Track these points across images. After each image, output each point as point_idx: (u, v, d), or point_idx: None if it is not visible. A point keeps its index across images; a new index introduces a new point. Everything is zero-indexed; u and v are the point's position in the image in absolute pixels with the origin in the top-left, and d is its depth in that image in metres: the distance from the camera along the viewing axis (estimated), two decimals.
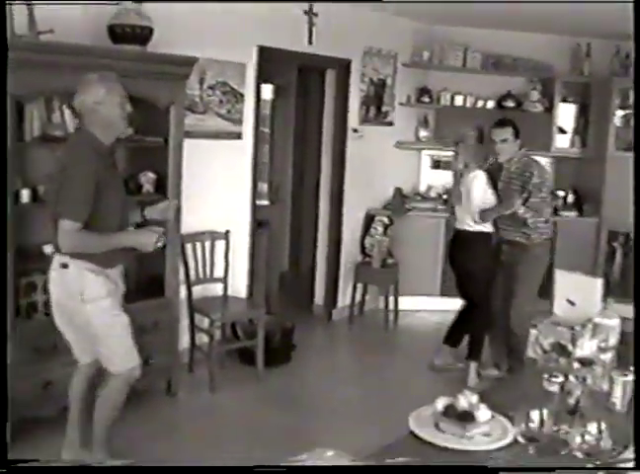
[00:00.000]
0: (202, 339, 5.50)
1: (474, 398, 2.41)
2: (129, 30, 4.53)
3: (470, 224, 5.41)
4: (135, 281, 4.83)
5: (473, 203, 5.32)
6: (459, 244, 5.59)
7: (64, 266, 3.57)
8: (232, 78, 5.60)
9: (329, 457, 1.89)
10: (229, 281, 5.65)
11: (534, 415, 2.10)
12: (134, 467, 1.15)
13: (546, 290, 6.76)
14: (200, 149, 5.27)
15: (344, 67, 6.80)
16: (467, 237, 5.48)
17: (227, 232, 5.61)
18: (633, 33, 3.03)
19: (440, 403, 2.42)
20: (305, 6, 6.08)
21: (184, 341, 5.38)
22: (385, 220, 7.28)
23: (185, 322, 5.39)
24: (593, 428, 2.13)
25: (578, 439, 2.11)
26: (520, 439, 2.13)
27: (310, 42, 6.17)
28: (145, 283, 4.91)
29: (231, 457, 4.02)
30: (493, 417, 2.37)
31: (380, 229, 7.24)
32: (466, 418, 2.34)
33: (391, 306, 7.21)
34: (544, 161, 7.93)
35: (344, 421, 4.79)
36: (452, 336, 5.82)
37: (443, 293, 7.47)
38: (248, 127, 5.89)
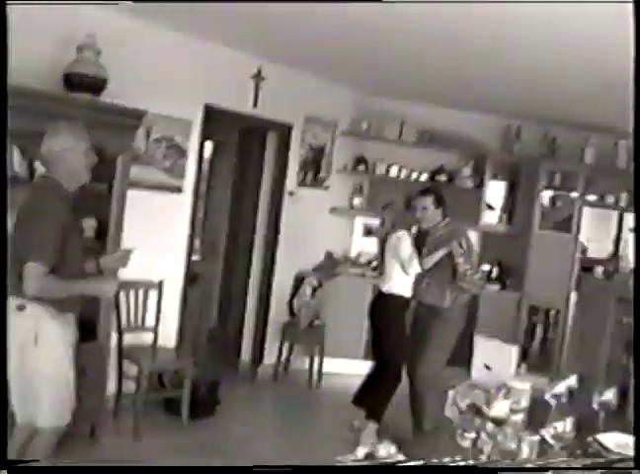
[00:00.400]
0: (129, 386, 5.56)
1: (392, 448, 2.58)
2: (85, 79, 4.72)
3: (390, 286, 5.65)
4: None
5: (402, 258, 5.53)
6: (379, 304, 5.80)
7: (21, 308, 3.58)
8: (178, 134, 5.81)
9: None
10: (159, 331, 5.74)
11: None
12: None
13: (463, 358, 7.16)
14: (141, 200, 5.39)
15: (285, 131, 7.06)
16: (386, 298, 5.70)
17: (161, 282, 5.73)
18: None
19: (361, 451, 2.59)
20: (254, 69, 6.34)
21: (110, 387, 5.42)
22: (314, 283, 7.46)
23: (112, 368, 5.45)
24: None
25: None
26: None
27: (255, 105, 6.42)
28: (78, 327, 4.98)
29: None
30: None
31: (309, 291, 7.42)
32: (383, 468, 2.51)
33: (316, 367, 7.35)
34: (472, 235, 8.30)
35: None
36: (361, 396, 5.91)
37: (367, 357, 7.65)
38: (189, 183, 6.07)
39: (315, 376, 7.34)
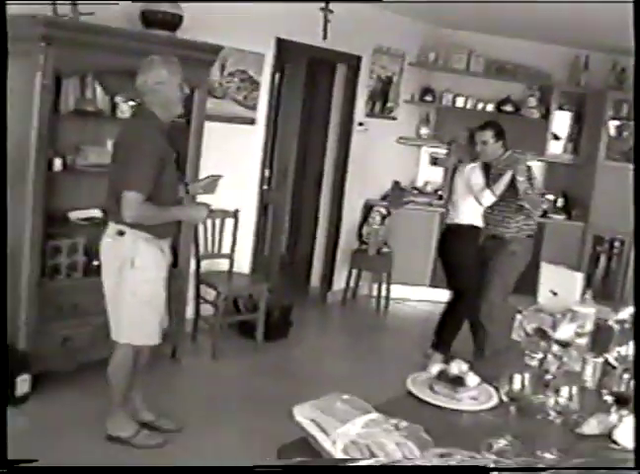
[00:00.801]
0: (205, 311, 5.83)
1: (464, 366, 2.76)
2: (161, 16, 4.85)
3: (461, 218, 5.73)
4: None
5: (475, 189, 5.60)
6: (450, 237, 5.88)
7: (121, 233, 3.80)
8: (251, 67, 5.93)
9: (343, 400, 2.22)
10: (235, 258, 5.96)
11: (517, 379, 2.44)
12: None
13: (530, 287, 7.26)
14: (217, 132, 5.54)
15: (354, 62, 7.14)
16: (457, 231, 5.78)
17: (236, 211, 5.93)
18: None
19: (435, 368, 2.77)
20: (322, 3, 6.39)
21: (188, 311, 5.69)
22: (383, 211, 7.62)
23: (190, 293, 5.70)
24: (565, 392, 2.49)
25: (552, 401, 2.47)
26: (504, 398, 2.48)
27: (325, 37, 6.47)
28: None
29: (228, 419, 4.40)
30: (480, 383, 2.71)
31: (378, 219, 7.58)
32: (457, 382, 2.69)
33: (383, 293, 7.56)
34: (537, 165, 8.34)
35: (338, 390, 5.12)
36: (440, 338, 5.93)
37: (433, 284, 7.84)
38: (261, 114, 6.22)
39: (383, 302, 7.55)
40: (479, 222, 5.74)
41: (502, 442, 2.26)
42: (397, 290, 7.72)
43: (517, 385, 2.43)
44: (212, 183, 4.31)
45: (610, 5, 5.53)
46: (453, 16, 7.21)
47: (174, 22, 4.89)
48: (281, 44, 6.17)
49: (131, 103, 4.78)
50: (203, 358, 5.58)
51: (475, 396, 2.68)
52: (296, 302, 6.64)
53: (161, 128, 3.87)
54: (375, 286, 7.66)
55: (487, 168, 5.74)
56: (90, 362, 4.59)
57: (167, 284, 4.02)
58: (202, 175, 5.16)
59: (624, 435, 2.43)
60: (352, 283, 7.67)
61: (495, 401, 2.65)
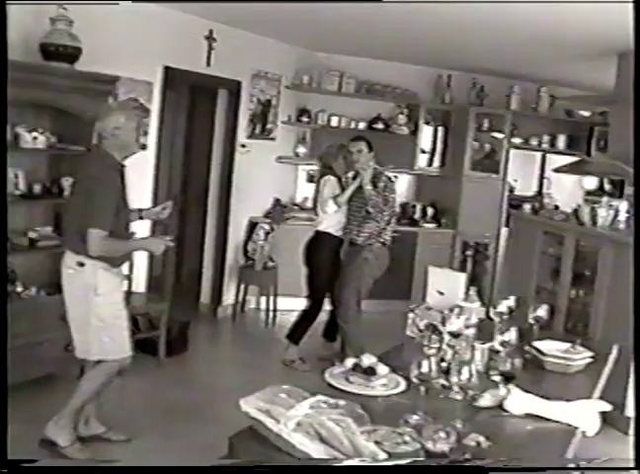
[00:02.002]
0: None
1: (373, 358, 3.19)
2: (61, 49, 5.09)
3: (320, 227, 6.32)
4: (58, 276, 5.39)
5: (320, 200, 6.23)
6: (310, 244, 6.44)
7: (81, 264, 4.14)
8: (141, 94, 6.22)
9: (284, 390, 2.60)
10: (133, 278, 6.22)
11: (425, 363, 2.89)
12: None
13: (404, 291, 7.83)
14: None
15: (234, 87, 7.52)
16: (316, 238, 6.38)
17: (132, 234, 6.16)
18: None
19: (349, 361, 3.19)
20: (206, 32, 6.77)
21: None
22: (266, 227, 8.02)
23: None
24: (465, 373, 2.97)
25: (455, 379, 2.95)
26: (414, 380, 2.92)
27: (209, 64, 6.87)
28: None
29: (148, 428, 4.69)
30: (389, 372, 3.15)
31: (262, 235, 7.97)
32: (369, 372, 3.12)
33: (271, 306, 7.96)
34: (406, 178, 8.99)
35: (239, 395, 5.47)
36: (294, 333, 6.55)
37: None
38: (152, 140, 6.52)
39: (271, 314, 7.94)
40: (334, 231, 6.26)
41: (415, 418, 2.70)
42: (283, 302, 8.10)
43: (425, 369, 2.88)
44: (163, 209, 4.70)
45: (470, 28, 6.14)
46: (326, 40, 7.71)
47: (73, 54, 5.13)
48: (168, 72, 6.49)
49: (34, 133, 5.01)
50: None
51: (386, 383, 3.12)
52: (189, 318, 6.93)
53: (117, 168, 4.22)
54: (263, 300, 8.04)
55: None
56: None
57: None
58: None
59: (512, 405, 2.93)
60: (240, 298, 8.03)
61: (403, 386, 3.10)
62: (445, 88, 8.86)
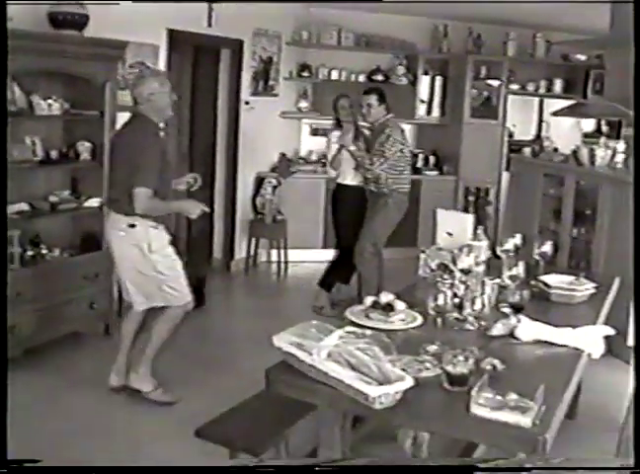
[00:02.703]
0: None
1: (391, 296, 3.40)
2: (68, 17, 5.23)
3: (338, 178, 6.52)
4: (80, 237, 5.61)
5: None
6: (335, 196, 6.67)
7: (132, 225, 4.42)
8: (148, 58, 6.36)
9: (314, 325, 2.81)
10: None
11: (440, 297, 3.10)
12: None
13: (410, 239, 8.04)
14: (122, 121, 5.95)
15: (236, 47, 7.66)
16: (337, 189, 6.62)
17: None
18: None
19: (369, 299, 3.40)
20: None
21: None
22: (274, 182, 8.20)
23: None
24: (478, 304, 3.19)
25: (468, 310, 3.16)
26: (431, 312, 3.14)
27: (210, 25, 7.00)
28: (87, 239, 5.66)
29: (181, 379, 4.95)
30: (406, 308, 3.37)
31: (270, 190, 8.16)
32: (388, 308, 3.34)
33: (282, 258, 8.19)
34: (407, 127, 9.11)
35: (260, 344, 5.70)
36: (326, 280, 6.75)
37: (325, 246, 8.51)
38: None
39: (282, 266, 8.17)
40: (353, 182, 6.46)
41: (433, 347, 2.92)
42: (293, 254, 8.33)
43: (441, 301, 3.10)
44: (189, 182, 5.00)
45: None
46: None
47: (81, 22, 5.27)
48: (172, 34, 6.62)
49: (49, 101, 5.17)
50: None
51: (403, 318, 3.34)
52: (204, 273, 7.14)
53: (156, 130, 4.52)
54: (274, 252, 8.26)
55: (370, 129, 6.46)
56: (36, 347, 5.06)
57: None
58: None
59: (522, 333, 3.15)
60: (252, 252, 8.25)
61: (419, 320, 3.32)
62: (442, 38, 8.97)
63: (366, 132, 6.53)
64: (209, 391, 4.83)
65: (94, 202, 5.57)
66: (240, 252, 8.21)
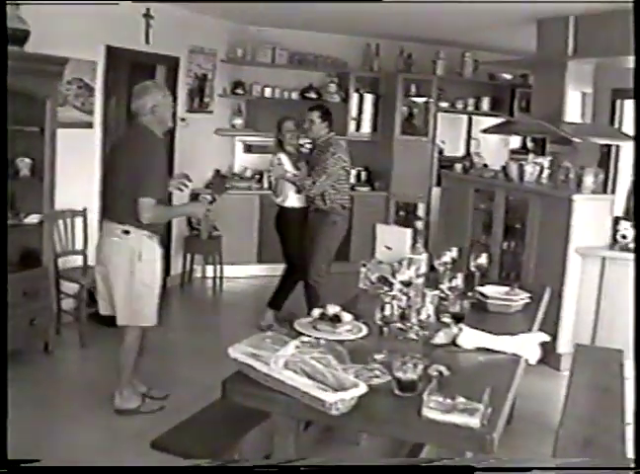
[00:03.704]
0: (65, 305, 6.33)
1: (337, 308, 3.52)
2: (10, 32, 5.19)
3: (284, 202, 6.57)
4: (19, 254, 5.59)
5: (280, 184, 6.53)
6: (280, 216, 6.70)
7: (126, 232, 4.50)
8: (86, 74, 6.39)
9: (268, 337, 2.92)
10: (88, 253, 6.43)
11: (387, 308, 3.24)
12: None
13: (343, 254, 8.19)
14: (60, 137, 5.94)
15: (172, 63, 7.73)
16: (281, 212, 6.65)
17: (84, 210, 6.41)
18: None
19: (316, 311, 3.52)
20: (144, 10, 6.96)
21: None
22: (208, 198, 8.22)
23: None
24: (423, 315, 3.34)
25: (413, 320, 3.31)
26: (378, 322, 3.27)
27: (147, 42, 7.06)
28: (26, 256, 5.63)
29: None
30: (353, 319, 3.50)
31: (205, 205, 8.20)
32: (335, 320, 3.46)
33: (217, 273, 8.26)
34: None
35: (201, 357, 5.77)
36: (276, 299, 6.79)
37: (260, 261, 8.61)
38: (97, 118, 6.70)
39: (217, 281, 8.24)
40: (298, 204, 6.55)
41: (381, 356, 3.06)
42: (228, 270, 8.41)
43: (387, 312, 3.23)
44: (178, 181, 5.14)
45: None
46: (257, 13, 7.93)
47: (22, 36, 5.26)
48: (111, 51, 6.66)
49: None
50: (73, 348, 6.05)
51: (350, 329, 3.47)
52: None
53: (160, 141, 4.69)
54: (209, 268, 8.32)
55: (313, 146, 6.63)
56: None
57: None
58: (58, 179, 5.65)
59: (464, 341, 3.31)
60: (187, 267, 8.30)
61: (365, 331, 3.45)
62: (374, 56, 9.20)
63: (307, 151, 6.65)
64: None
65: (33, 219, 5.56)
66: (175, 268, 8.24)
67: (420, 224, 9.37)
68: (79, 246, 6.43)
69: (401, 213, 9.36)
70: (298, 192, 6.45)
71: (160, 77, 7.77)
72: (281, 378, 2.65)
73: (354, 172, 9.24)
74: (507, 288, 4.23)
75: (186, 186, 5.17)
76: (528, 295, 4.16)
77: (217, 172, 8.69)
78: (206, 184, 8.51)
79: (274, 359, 2.67)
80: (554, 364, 5.86)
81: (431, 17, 7.39)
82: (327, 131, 6.48)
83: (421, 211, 9.46)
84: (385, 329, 3.24)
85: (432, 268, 4.31)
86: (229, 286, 8.35)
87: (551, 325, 5.72)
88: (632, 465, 2.24)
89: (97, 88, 6.62)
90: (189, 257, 8.32)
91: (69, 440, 4.42)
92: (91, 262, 6.42)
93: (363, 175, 9.43)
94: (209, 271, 8.35)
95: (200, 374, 5.21)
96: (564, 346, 5.87)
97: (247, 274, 8.63)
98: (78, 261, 6.42)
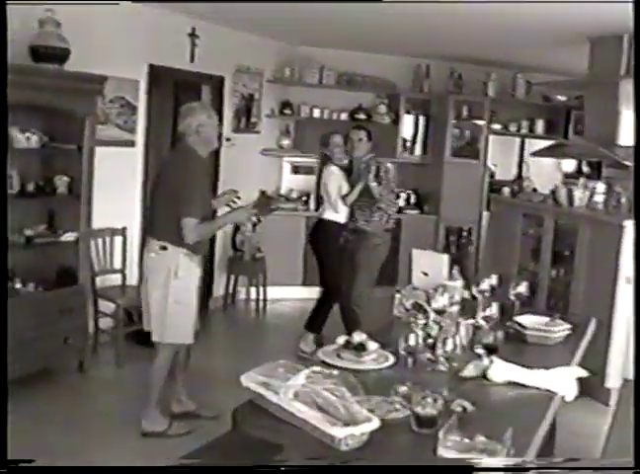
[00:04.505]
0: (105, 323, 6.28)
1: (364, 335, 3.38)
2: (50, 50, 5.24)
3: (326, 214, 6.45)
4: (55, 272, 5.56)
5: (330, 198, 6.37)
6: (316, 230, 6.60)
7: (164, 248, 4.51)
8: (128, 93, 6.38)
9: (281, 365, 2.79)
10: (127, 272, 6.40)
11: (411, 337, 3.08)
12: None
13: (390, 278, 8.03)
14: (100, 155, 5.94)
15: (217, 83, 7.69)
16: (321, 225, 6.52)
17: (124, 229, 6.38)
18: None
19: (341, 339, 3.38)
20: (189, 29, 6.95)
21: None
22: (253, 219, 8.17)
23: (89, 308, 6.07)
24: (449, 345, 3.17)
25: (440, 351, 3.14)
26: (402, 353, 3.12)
27: (192, 61, 7.04)
28: (62, 274, 5.61)
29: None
30: (378, 348, 3.34)
31: (249, 227, 8.14)
32: (360, 348, 3.31)
33: (261, 296, 8.16)
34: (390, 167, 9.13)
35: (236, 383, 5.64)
36: (313, 322, 6.66)
37: (305, 283, 8.49)
38: (140, 137, 6.69)
39: (261, 304, 8.14)
40: (341, 219, 6.41)
41: (404, 388, 2.90)
42: (273, 292, 8.31)
43: (412, 342, 3.08)
44: (228, 198, 5.15)
45: (447, 15, 6.30)
46: (305, 33, 7.89)
47: (62, 55, 5.27)
48: (153, 70, 6.65)
49: (27, 134, 5.17)
50: (109, 367, 5.99)
51: (375, 358, 3.31)
52: None
53: (202, 161, 4.74)
54: (253, 290, 8.23)
55: (351, 164, 6.49)
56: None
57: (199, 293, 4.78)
58: (95, 196, 5.62)
59: (494, 374, 3.13)
60: (230, 289, 8.22)
61: (392, 360, 3.29)
62: (424, 77, 9.06)
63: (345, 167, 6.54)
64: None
65: (70, 237, 5.55)
66: (218, 289, 8.16)
67: (471, 249, 9.16)
68: (118, 265, 6.39)
69: (451, 238, 9.15)
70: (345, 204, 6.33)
71: (206, 97, 7.76)
72: (291, 409, 2.51)
73: (403, 195, 9.15)
74: (547, 319, 4.03)
75: (235, 202, 5.14)
76: (569, 326, 3.95)
77: (263, 193, 8.60)
78: (252, 205, 8.41)
79: (283, 389, 2.54)
80: (603, 399, 5.60)
81: (481, 37, 7.26)
82: (369, 151, 6.40)
83: (470, 235, 9.24)
84: (410, 360, 3.08)
85: (473, 296, 4.14)
86: (273, 309, 8.25)
87: (599, 358, 5.50)
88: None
89: (139, 106, 6.60)
90: (232, 278, 8.24)
91: (94, 461, 4.34)
92: (130, 281, 6.42)
93: (413, 198, 9.25)
94: (253, 293, 8.25)
95: (231, 400, 5.08)
96: (613, 380, 5.61)
97: (292, 296, 8.50)
98: (117, 280, 6.38)
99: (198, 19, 6.98)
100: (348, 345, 3.35)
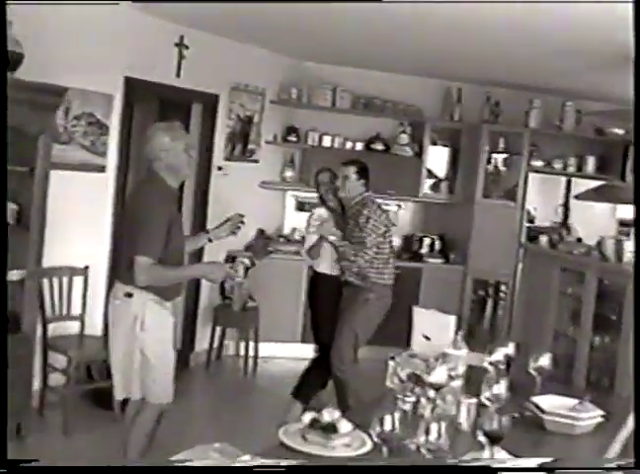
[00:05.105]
0: (56, 380, 6.03)
1: (336, 413, 3.12)
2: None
3: (318, 266, 6.34)
4: None
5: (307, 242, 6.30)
6: (311, 285, 6.53)
7: (129, 295, 4.34)
8: (98, 109, 6.21)
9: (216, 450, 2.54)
10: (86, 320, 6.18)
11: (387, 420, 2.81)
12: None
13: (401, 337, 7.75)
14: (61, 181, 5.76)
15: (210, 102, 7.54)
16: (315, 278, 6.45)
17: (86, 268, 6.17)
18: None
19: (307, 417, 3.12)
20: (176, 38, 6.79)
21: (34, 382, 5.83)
22: (247, 262, 7.92)
23: (37, 361, 5.85)
24: (434, 431, 2.89)
25: (422, 439, 2.86)
26: (376, 439, 2.84)
27: (179, 75, 6.88)
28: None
29: None
30: (353, 430, 3.07)
31: (241, 271, 7.89)
32: (330, 430, 3.05)
33: (251, 352, 7.91)
34: (411, 206, 8.96)
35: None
36: (301, 387, 6.41)
37: (304, 340, 8.22)
38: (112, 160, 6.50)
39: (250, 361, 7.88)
40: (331, 271, 6.26)
41: None
42: (265, 348, 8.06)
43: (387, 426, 2.80)
44: (235, 222, 5.02)
45: (482, 35, 6.11)
46: (316, 48, 7.73)
47: (13, 61, 5.09)
48: (131, 84, 6.48)
49: None
50: (54, 435, 5.74)
51: (348, 443, 3.04)
52: None
53: (168, 192, 4.51)
54: (242, 345, 7.98)
55: (344, 207, 6.35)
56: None
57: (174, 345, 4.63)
58: (50, 228, 5.42)
59: None
60: (216, 343, 7.97)
61: (369, 446, 3.02)
62: (455, 103, 8.86)
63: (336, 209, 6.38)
64: None
65: (14, 276, 5.31)
66: (202, 343, 7.93)
67: (503, 308, 8.89)
68: (76, 310, 6.17)
69: (479, 292, 8.88)
70: (337, 260, 6.17)
71: (196, 117, 7.60)
72: None
73: (427, 241, 8.91)
74: (575, 401, 3.72)
75: (239, 228, 5.07)
76: (601, 413, 3.64)
77: (261, 232, 8.42)
78: (246, 245, 8.23)
79: None
80: None
81: (522, 57, 7.06)
82: (362, 192, 6.19)
83: (499, 291, 8.98)
84: (384, 448, 2.80)
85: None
86: (264, 368, 8.01)
87: None
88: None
89: (112, 126, 6.42)
90: (218, 330, 8.00)
91: None
92: (91, 330, 6.21)
93: (437, 244, 9.01)
94: (243, 348, 8.00)
95: None
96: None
97: (288, 354, 8.23)
98: (75, 328, 6.15)
99: (186, 26, 6.82)
100: (315, 424, 3.09)
